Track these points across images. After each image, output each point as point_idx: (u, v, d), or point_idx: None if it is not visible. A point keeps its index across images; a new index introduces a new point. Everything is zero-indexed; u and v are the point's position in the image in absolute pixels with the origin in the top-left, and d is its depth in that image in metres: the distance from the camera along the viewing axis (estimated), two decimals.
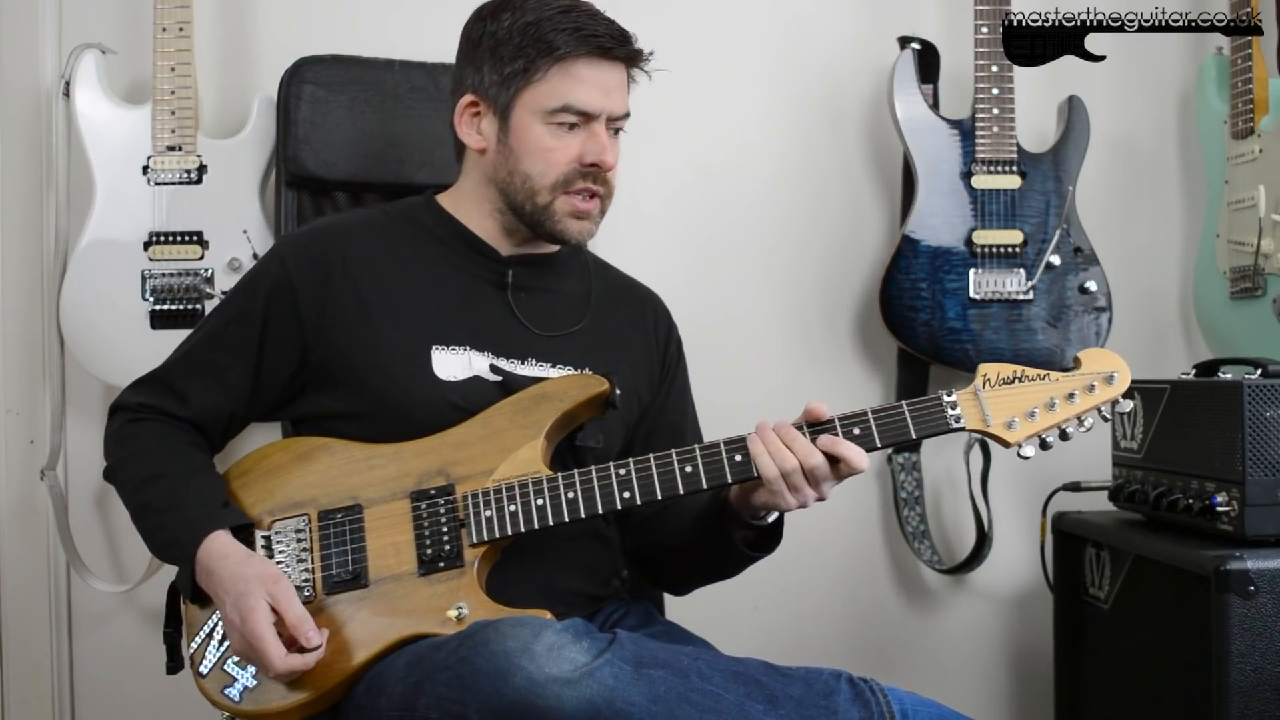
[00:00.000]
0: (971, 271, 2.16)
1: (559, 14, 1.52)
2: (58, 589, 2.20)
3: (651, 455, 1.43)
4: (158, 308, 2.03)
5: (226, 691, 1.40)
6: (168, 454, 1.51)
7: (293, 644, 1.35)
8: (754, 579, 1.99)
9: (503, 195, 1.58)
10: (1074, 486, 2.17)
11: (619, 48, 1.53)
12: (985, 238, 2.16)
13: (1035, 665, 2.35)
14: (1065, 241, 2.18)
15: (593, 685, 1.22)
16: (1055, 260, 2.16)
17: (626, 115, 1.58)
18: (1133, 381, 1.98)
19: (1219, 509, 1.77)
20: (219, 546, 1.41)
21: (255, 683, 1.39)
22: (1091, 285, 2.17)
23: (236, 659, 1.40)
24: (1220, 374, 1.88)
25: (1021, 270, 2.16)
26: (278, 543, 1.45)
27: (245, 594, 1.36)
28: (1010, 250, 2.16)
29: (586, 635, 1.28)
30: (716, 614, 1.87)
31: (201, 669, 1.42)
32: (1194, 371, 1.95)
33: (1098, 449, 2.12)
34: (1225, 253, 2.21)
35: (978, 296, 2.16)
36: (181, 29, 2.03)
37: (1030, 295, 2.16)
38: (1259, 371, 1.81)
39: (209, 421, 1.55)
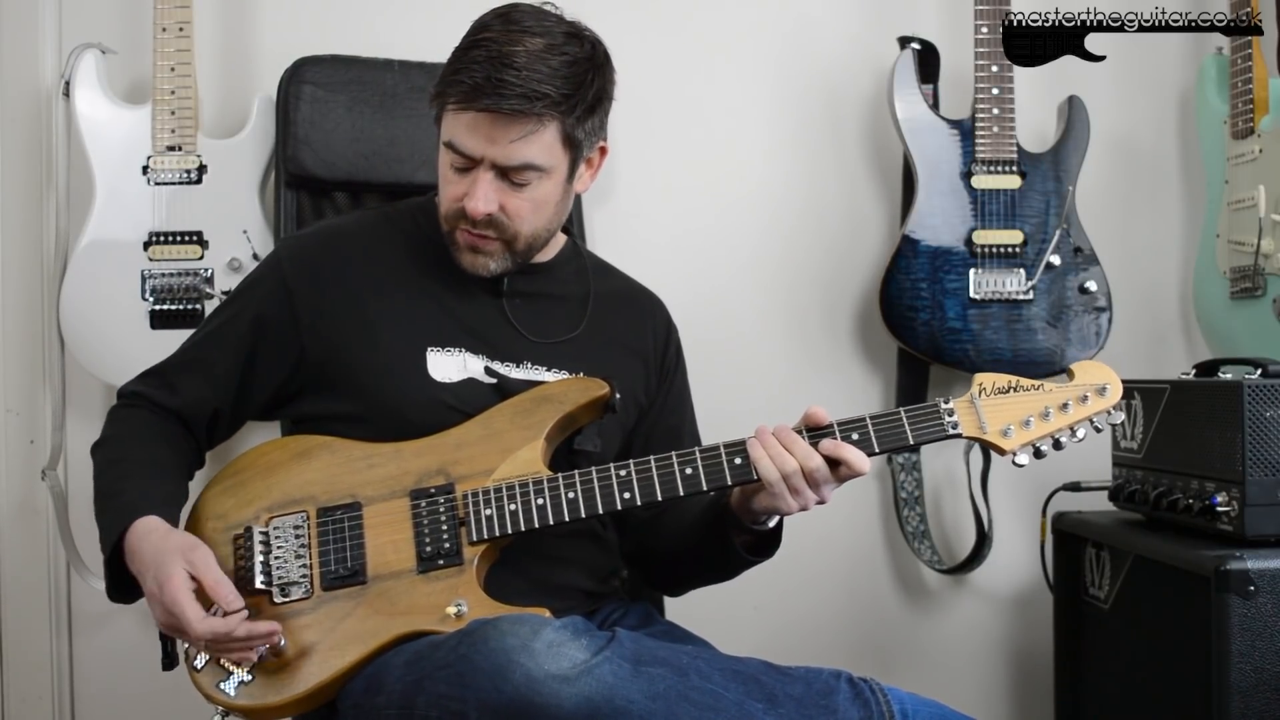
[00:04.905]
0: (971, 271, 2.16)
1: (460, 51, 1.48)
2: (58, 589, 2.20)
3: (652, 457, 1.44)
4: (157, 308, 2.03)
5: (221, 686, 1.40)
6: (135, 443, 1.52)
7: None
8: (754, 579, 1.98)
9: None
10: (1074, 486, 2.17)
11: (492, 104, 1.43)
12: (985, 238, 2.16)
13: (1035, 665, 2.35)
14: (1065, 241, 2.18)
15: (591, 682, 1.22)
16: (1055, 260, 2.16)
17: (524, 167, 1.47)
18: (1133, 381, 2.00)
19: (1219, 509, 1.77)
20: (144, 526, 1.41)
21: (250, 678, 1.40)
22: (1091, 285, 2.17)
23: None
24: (1220, 374, 1.88)
25: (1021, 270, 2.16)
26: (275, 539, 1.45)
27: (163, 564, 1.36)
28: (1010, 250, 2.16)
29: (585, 633, 1.28)
30: (716, 614, 1.86)
31: (196, 663, 1.42)
32: (1194, 371, 1.95)
33: (1098, 449, 2.12)
34: (1225, 253, 2.21)
35: (978, 296, 2.16)
36: (181, 29, 2.03)
37: (1030, 295, 2.16)
38: (1259, 371, 1.81)
39: (194, 416, 1.56)
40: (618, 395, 1.51)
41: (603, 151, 1.60)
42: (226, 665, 1.41)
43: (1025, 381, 1.44)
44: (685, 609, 1.78)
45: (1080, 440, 1.45)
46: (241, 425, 1.62)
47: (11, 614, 2.18)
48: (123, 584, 1.43)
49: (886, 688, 1.31)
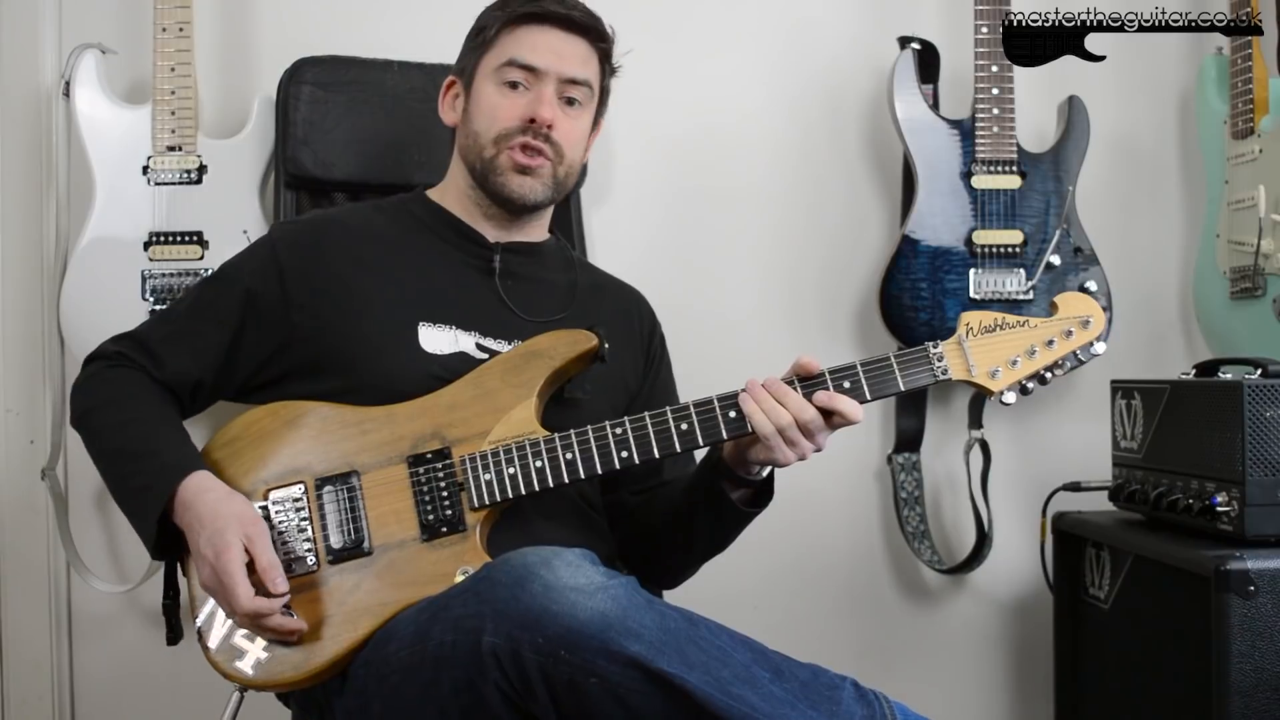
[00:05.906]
0: (971, 271, 2.16)
1: None
2: (58, 589, 2.20)
3: (647, 414, 1.45)
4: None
5: (237, 664, 1.40)
6: (145, 402, 1.51)
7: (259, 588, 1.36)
8: (754, 579, 1.98)
9: (466, 166, 1.64)
10: (1074, 486, 2.16)
11: (565, 14, 1.59)
12: (985, 238, 2.16)
13: (1035, 665, 2.35)
14: (1065, 241, 2.18)
15: (607, 600, 1.22)
16: (1055, 260, 2.16)
17: (584, 83, 1.62)
18: (1133, 381, 2.00)
19: (1219, 509, 1.77)
20: (199, 482, 1.41)
21: (266, 655, 1.39)
22: (1091, 285, 2.17)
23: (246, 631, 1.40)
24: (1220, 374, 1.88)
25: (1021, 270, 2.16)
26: (276, 513, 1.44)
27: (222, 530, 1.36)
28: (1010, 250, 2.16)
29: (603, 565, 1.29)
30: (716, 614, 1.84)
31: (210, 642, 1.42)
32: (1194, 371, 1.95)
33: (1098, 449, 2.12)
34: (1225, 253, 2.21)
35: (978, 296, 2.16)
36: (181, 29, 2.03)
37: (1030, 295, 2.16)
38: (1259, 371, 1.81)
39: (179, 387, 1.55)
40: (606, 345, 1.51)
41: (597, 127, 1.73)
42: (239, 645, 1.40)
43: (1011, 318, 1.45)
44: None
45: (1065, 373, 1.46)
46: (216, 401, 1.61)
47: (11, 614, 2.19)
48: (162, 540, 1.42)
49: (893, 700, 1.31)
